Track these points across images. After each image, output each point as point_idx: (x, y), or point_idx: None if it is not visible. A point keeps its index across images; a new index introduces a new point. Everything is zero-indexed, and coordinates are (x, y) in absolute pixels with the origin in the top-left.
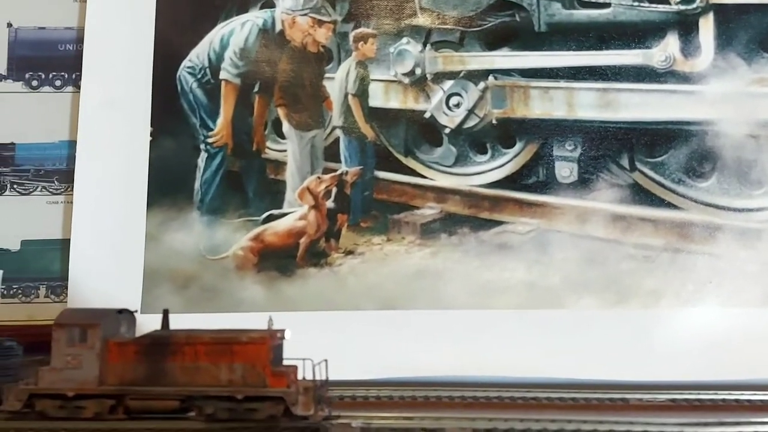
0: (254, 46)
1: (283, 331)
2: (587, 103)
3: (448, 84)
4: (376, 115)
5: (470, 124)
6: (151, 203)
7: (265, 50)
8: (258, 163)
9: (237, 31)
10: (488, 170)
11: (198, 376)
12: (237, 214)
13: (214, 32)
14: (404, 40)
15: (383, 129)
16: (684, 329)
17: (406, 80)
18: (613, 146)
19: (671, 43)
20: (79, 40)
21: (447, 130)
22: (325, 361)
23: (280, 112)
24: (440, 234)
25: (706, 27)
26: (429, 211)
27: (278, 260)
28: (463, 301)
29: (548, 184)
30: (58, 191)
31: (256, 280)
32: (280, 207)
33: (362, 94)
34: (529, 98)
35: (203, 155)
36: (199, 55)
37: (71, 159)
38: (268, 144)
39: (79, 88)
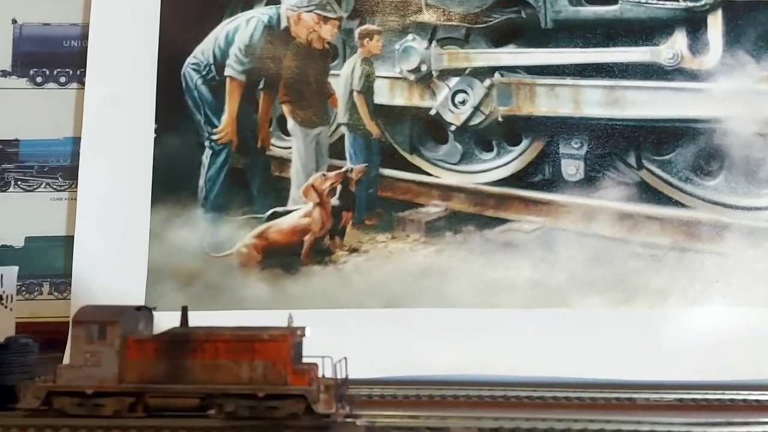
0: (259, 43)
1: (303, 328)
2: (594, 101)
3: (453, 81)
4: (382, 112)
5: (476, 121)
6: (155, 200)
7: (270, 47)
8: (262, 160)
9: (242, 28)
10: (494, 168)
11: (218, 373)
12: (241, 211)
13: (219, 29)
14: (410, 36)
15: (388, 126)
16: (691, 329)
17: (412, 77)
18: (619, 144)
19: (679, 40)
20: (84, 37)
21: (452, 128)
22: (345, 358)
23: (285, 109)
24: (445, 232)
25: (715, 24)
26: (434, 208)
27: (282, 258)
28: (468, 299)
29: (554, 182)
30: (62, 188)
31: (260, 277)
32: (285, 204)
33: (367, 91)
34: (535, 95)
35: (208, 152)
36: (204, 51)
37: (75, 156)
38: (273, 141)
39: (84, 85)
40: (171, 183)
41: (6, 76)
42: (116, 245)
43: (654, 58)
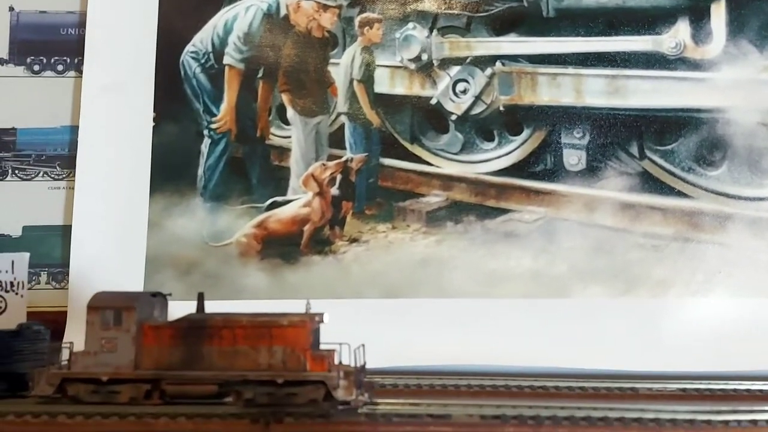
0: (258, 31)
1: (322, 314)
2: (596, 90)
3: (454, 70)
4: (382, 102)
5: (477, 110)
6: (153, 189)
7: (270, 35)
8: (262, 150)
9: (241, 16)
10: (495, 158)
11: (236, 360)
12: (240, 200)
13: (217, 17)
14: (410, 25)
15: (389, 115)
16: (693, 319)
17: (412, 66)
18: (622, 134)
19: (682, 29)
20: (81, 25)
21: (453, 117)
22: (363, 345)
23: (285, 98)
24: (446, 222)
25: (718, 13)
26: (434, 198)
27: (282, 247)
28: (469, 289)
29: (556, 172)
30: (60, 177)
31: (260, 267)
32: (284, 194)
33: (368, 79)
34: (536, 85)
35: (206, 141)
36: (202, 39)
37: (73, 144)
38: (272, 130)
39: (81, 73)
40: (170, 172)
41: (3, 64)
42: (114, 234)
43: (656, 47)
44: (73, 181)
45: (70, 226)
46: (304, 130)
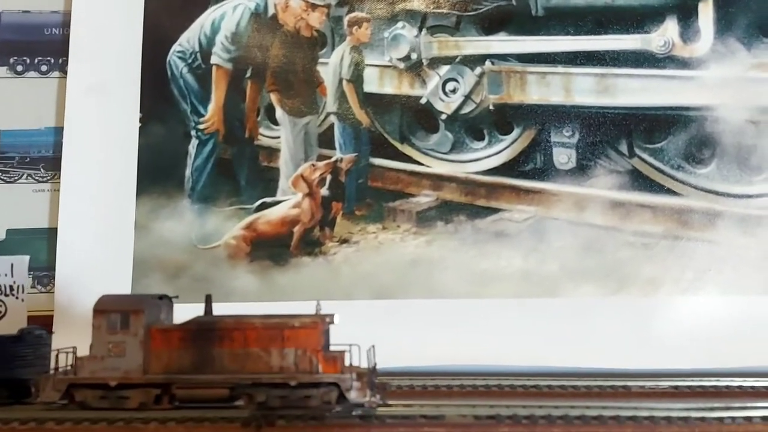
0: (246, 31)
1: (332, 315)
2: (585, 89)
3: (444, 69)
4: (371, 101)
5: (467, 110)
6: (140, 191)
7: (258, 35)
8: (250, 150)
9: (228, 15)
10: (485, 157)
11: (248, 362)
12: (229, 202)
13: (204, 16)
14: (399, 24)
15: (378, 115)
16: (684, 317)
17: (402, 65)
18: (611, 132)
19: (670, 27)
20: (66, 24)
21: (443, 116)
22: (373, 346)
23: (273, 98)
24: (436, 222)
25: (706, 11)
26: (425, 198)
27: (271, 249)
28: (460, 290)
29: (546, 171)
30: (45, 179)
31: (249, 269)
32: (274, 195)
33: (357, 79)
34: (526, 83)
35: (194, 142)
36: (189, 39)
37: (58, 146)
38: (261, 130)
39: (66, 74)
40: (156, 173)
41: None
42: (101, 237)
43: (645, 45)
44: (58, 183)
45: (55, 229)
46: (293, 131)
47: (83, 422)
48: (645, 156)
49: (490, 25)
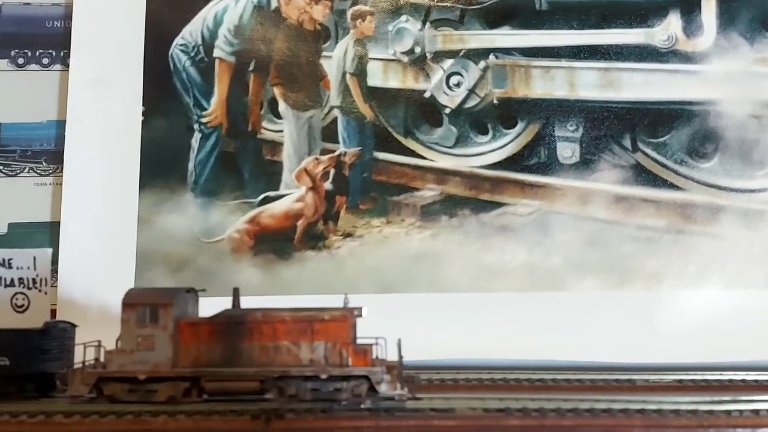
0: (249, 24)
1: (360, 308)
2: (589, 83)
3: (448, 63)
4: (375, 95)
5: (471, 104)
6: (143, 185)
7: (261, 28)
8: (254, 144)
9: (231, 8)
10: (489, 151)
11: (277, 355)
12: (232, 196)
13: (207, 9)
14: (403, 18)
15: (382, 109)
16: (686, 311)
17: (406, 59)
18: (615, 126)
19: (673, 22)
20: (67, 17)
21: (447, 110)
22: (399, 340)
23: (276, 92)
24: (440, 216)
25: (708, 6)
26: (429, 192)
27: (275, 243)
28: (464, 283)
29: (550, 165)
30: (47, 172)
31: (252, 263)
32: (277, 189)
33: (361, 73)
34: (530, 78)
35: (197, 135)
36: (192, 32)
37: (60, 139)
38: (264, 124)
39: (68, 67)
40: (159, 167)
41: None
42: (103, 231)
43: (648, 40)
44: (60, 176)
45: (58, 222)
46: (296, 124)
47: (108, 415)
48: (648, 150)
49: (494, 18)
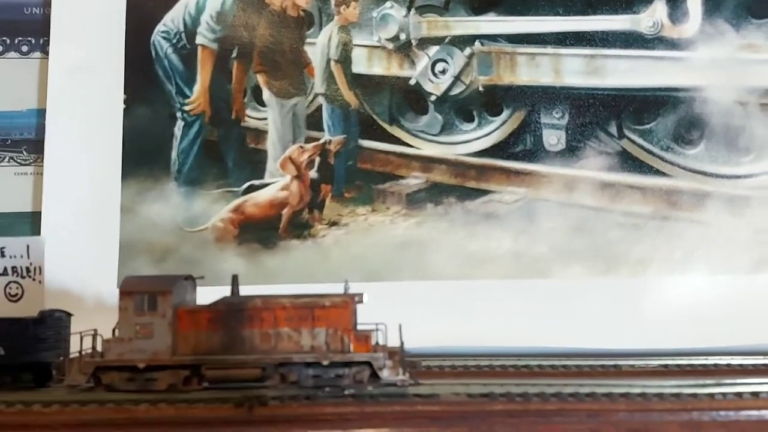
0: (232, 10)
1: (361, 294)
2: (574, 70)
3: (433, 50)
4: (360, 82)
5: (456, 91)
6: (125, 174)
7: (243, 14)
8: (237, 132)
9: None
10: (475, 138)
11: (278, 342)
12: (216, 184)
13: None
14: (387, 4)
15: (367, 96)
16: (672, 297)
17: (390, 46)
18: (601, 113)
19: (659, 8)
20: (47, 3)
21: (433, 98)
22: (400, 325)
23: (260, 79)
24: (426, 204)
25: None
26: (414, 180)
27: (259, 232)
28: (450, 271)
29: (536, 153)
30: (27, 162)
31: (237, 252)
32: (262, 177)
33: (345, 60)
34: (515, 65)
35: (180, 123)
36: (174, 19)
37: (40, 128)
38: (248, 112)
39: (47, 54)
40: (142, 156)
41: None
42: (86, 221)
43: (634, 26)
44: (41, 166)
45: (39, 212)
46: (280, 112)
47: (108, 404)
48: (634, 137)
49: (480, 5)
